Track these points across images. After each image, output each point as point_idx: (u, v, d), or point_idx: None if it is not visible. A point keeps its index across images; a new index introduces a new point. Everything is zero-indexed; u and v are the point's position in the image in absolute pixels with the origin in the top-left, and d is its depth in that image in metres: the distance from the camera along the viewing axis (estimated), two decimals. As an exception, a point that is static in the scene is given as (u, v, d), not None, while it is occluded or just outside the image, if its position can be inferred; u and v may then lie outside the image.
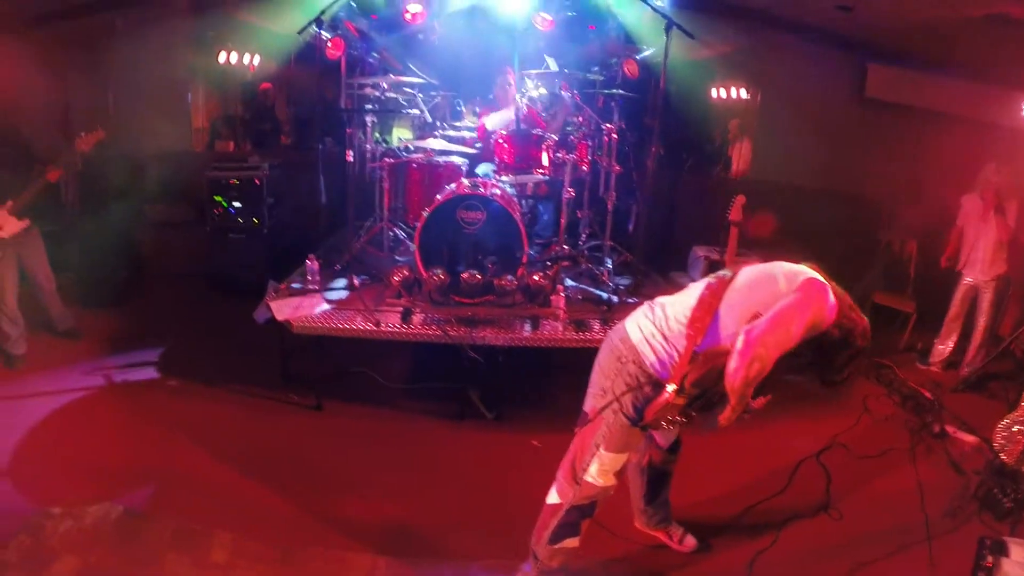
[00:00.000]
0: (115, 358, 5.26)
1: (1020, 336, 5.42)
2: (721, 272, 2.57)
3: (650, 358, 2.53)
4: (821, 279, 2.34)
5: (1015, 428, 4.17)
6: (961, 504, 3.90)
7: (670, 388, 2.41)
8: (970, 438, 4.68)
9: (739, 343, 2.19)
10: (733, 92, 8.11)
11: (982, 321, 5.69)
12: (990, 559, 3.27)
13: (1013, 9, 4.84)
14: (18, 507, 3.44)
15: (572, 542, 2.85)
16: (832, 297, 2.30)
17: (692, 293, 2.56)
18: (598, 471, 2.70)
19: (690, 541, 3.42)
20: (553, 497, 2.85)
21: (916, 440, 4.66)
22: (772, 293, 2.33)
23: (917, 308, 6.40)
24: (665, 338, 2.53)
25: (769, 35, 7.27)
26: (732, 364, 2.19)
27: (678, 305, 2.58)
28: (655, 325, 2.58)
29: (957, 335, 5.89)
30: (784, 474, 4.08)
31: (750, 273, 2.50)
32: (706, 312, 2.44)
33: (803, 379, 2.54)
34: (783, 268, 2.43)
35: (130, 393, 4.78)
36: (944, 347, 5.93)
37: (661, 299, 2.71)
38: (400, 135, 6.76)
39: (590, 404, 2.72)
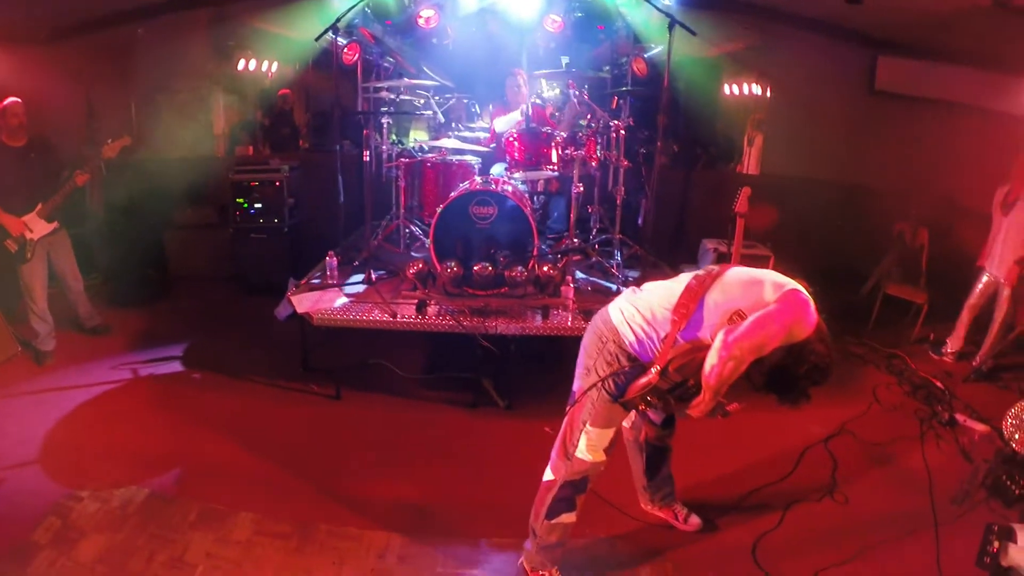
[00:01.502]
0: (141, 353, 5.43)
1: None
2: (710, 266, 2.67)
3: (629, 338, 2.66)
4: (805, 293, 2.43)
5: None
6: (969, 491, 3.91)
7: (654, 370, 2.53)
8: (980, 426, 4.66)
9: (718, 342, 2.33)
10: (745, 88, 8.13)
11: (999, 315, 5.64)
12: (996, 544, 3.28)
13: None
14: (48, 491, 3.60)
15: (568, 517, 2.95)
16: (813, 313, 2.38)
17: (680, 281, 2.67)
18: (586, 447, 2.81)
19: (694, 520, 3.50)
20: (548, 474, 2.96)
21: (925, 428, 4.67)
22: (757, 297, 2.44)
23: (929, 299, 6.38)
24: (647, 321, 2.65)
25: (778, 30, 7.30)
26: (709, 360, 2.34)
27: (664, 291, 2.69)
28: (636, 308, 2.70)
29: (969, 326, 5.87)
30: (791, 459, 4.14)
31: (739, 274, 2.60)
32: (692, 300, 2.54)
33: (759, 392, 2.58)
34: (771, 277, 2.52)
35: (156, 385, 4.95)
36: (957, 336, 5.91)
37: (648, 284, 2.83)
38: (416, 136, 6.91)
39: (577, 384, 2.85)
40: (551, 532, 2.96)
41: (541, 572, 3.02)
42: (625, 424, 3.30)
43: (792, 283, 2.47)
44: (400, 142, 6.38)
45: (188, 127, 7.58)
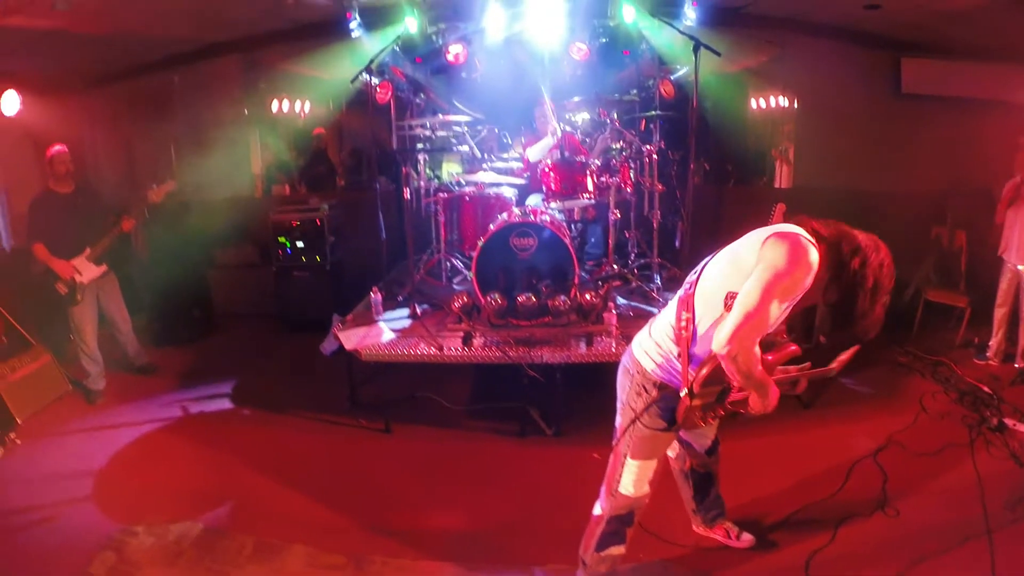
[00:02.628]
0: (190, 391, 5.58)
1: None
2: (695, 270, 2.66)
3: (651, 366, 2.68)
4: (786, 230, 2.38)
5: None
6: (1022, 496, 3.85)
7: (683, 393, 2.54)
8: None
9: (716, 345, 2.32)
10: (771, 101, 8.14)
11: None
12: None
13: None
14: (102, 526, 3.70)
15: (617, 549, 2.98)
16: (805, 244, 2.30)
17: (677, 296, 2.68)
18: (630, 481, 2.82)
19: (747, 538, 3.50)
20: (596, 508, 2.98)
21: (974, 435, 4.60)
22: (742, 267, 2.39)
23: (971, 302, 6.30)
24: (659, 345, 2.67)
25: (799, 40, 7.32)
26: (725, 366, 2.36)
27: (667, 310, 2.71)
28: (651, 335, 2.73)
29: (1004, 324, 5.81)
30: (840, 473, 4.12)
31: (719, 257, 2.58)
32: (686, 307, 2.54)
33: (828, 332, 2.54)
34: (750, 238, 2.46)
35: (206, 422, 5.08)
36: (996, 337, 5.85)
37: (659, 312, 2.87)
38: (449, 169, 7.04)
39: (618, 421, 2.87)
40: (601, 563, 2.99)
41: None
42: (670, 454, 3.33)
43: (769, 230, 2.41)
44: (436, 176, 6.50)
45: (226, 168, 7.76)
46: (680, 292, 2.64)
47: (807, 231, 2.39)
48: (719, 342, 2.30)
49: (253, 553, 3.49)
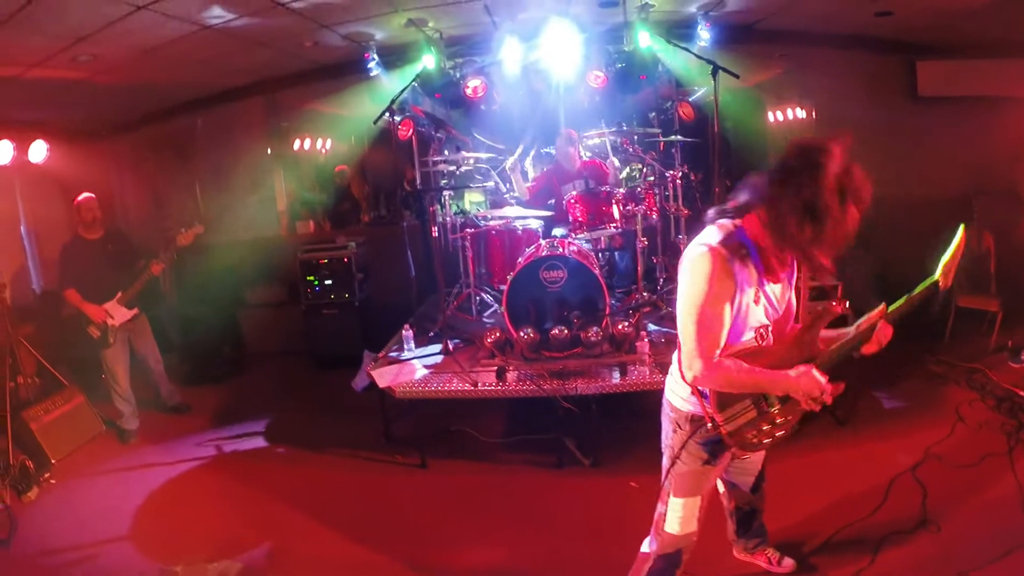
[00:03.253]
0: (223, 430, 5.64)
1: None
2: None
3: (678, 402, 2.66)
4: (691, 248, 2.38)
5: None
6: None
7: (709, 425, 2.51)
8: None
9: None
10: (789, 113, 8.14)
11: None
12: None
13: None
14: (140, 566, 3.76)
15: None
16: (701, 256, 2.30)
17: None
18: (675, 519, 2.76)
19: (788, 563, 3.47)
20: (645, 546, 2.95)
21: (1013, 443, 4.53)
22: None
23: (1002, 304, 6.23)
24: (677, 380, 2.64)
25: (814, 52, 7.31)
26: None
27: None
28: (673, 372, 2.69)
29: None
30: (879, 491, 4.08)
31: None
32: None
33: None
34: (684, 257, 2.44)
35: (241, 461, 5.12)
36: None
37: None
38: (471, 200, 7.09)
39: (664, 462, 2.82)
40: None
41: None
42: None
43: (686, 253, 2.41)
44: (462, 211, 6.56)
45: (252, 208, 7.94)
46: None
47: (721, 227, 2.41)
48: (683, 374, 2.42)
49: None
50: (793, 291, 2.64)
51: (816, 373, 2.38)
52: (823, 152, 2.24)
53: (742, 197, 2.43)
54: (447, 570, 3.71)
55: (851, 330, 2.55)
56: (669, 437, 2.74)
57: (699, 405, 2.54)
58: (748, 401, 2.48)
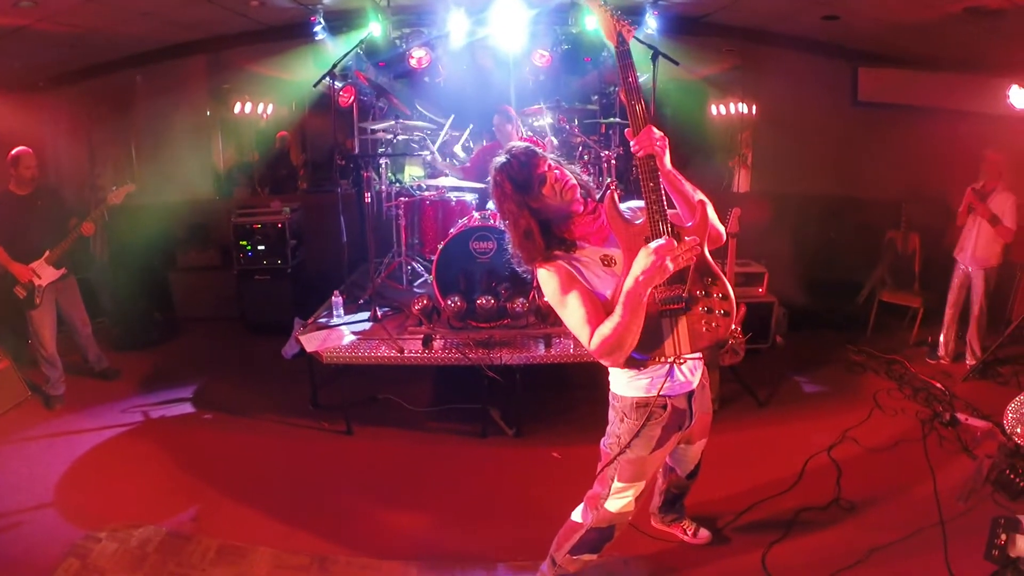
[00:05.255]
0: (151, 396, 5.51)
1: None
2: None
3: (620, 390, 2.67)
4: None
5: None
6: (974, 487, 3.96)
7: (670, 360, 2.50)
8: (982, 423, 4.71)
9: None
10: (732, 108, 8.27)
11: (975, 307, 5.79)
12: (1004, 537, 3.34)
13: (988, 1, 4.97)
14: (65, 533, 3.65)
15: (590, 557, 2.98)
16: (541, 270, 2.48)
17: None
18: (617, 501, 2.79)
19: (704, 534, 3.59)
20: (576, 515, 2.96)
21: (927, 430, 4.73)
22: None
23: (924, 302, 6.49)
24: (612, 373, 2.68)
25: (760, 50, 7.47)
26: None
27: None
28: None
29: (955, 323, 6.00)
30: (795, 470, 4.21)
31: None
32: None
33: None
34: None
35: (168, 427, 5.01)
36: (948, 335, 6.03)
37: None
38: (412, 172, 7.04)
39: (604, 441, 2.82)
40: (571, 563, 3.00)
41: None
42: None
43: None
44: (398, 180, 6.50)
45: (188, 170, 7.71)
46: None
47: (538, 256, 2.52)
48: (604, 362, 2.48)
49: (217, 556, 3.48)
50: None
51: (643, 248, 2.25)
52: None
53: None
54: (372, 533, 3.73)
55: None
56: (614, 426, 2.73)
57: (646, 376, 2.57)
58: (662, 320, 2.39)
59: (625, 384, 2.63)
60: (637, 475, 2.75)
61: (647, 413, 2.59)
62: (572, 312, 2.42)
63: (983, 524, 3.43)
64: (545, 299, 2.62)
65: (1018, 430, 4.25)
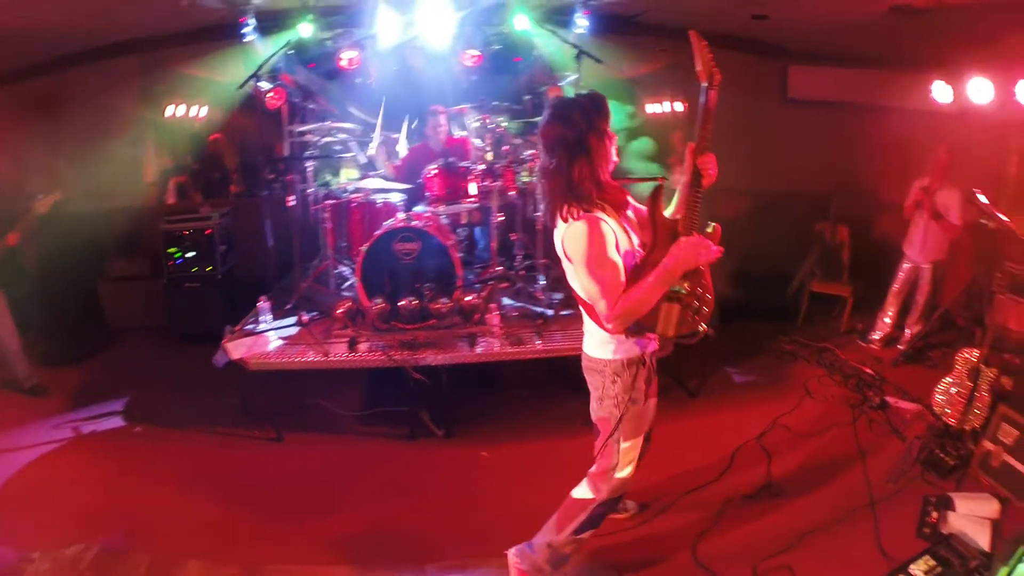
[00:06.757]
0: (81, 411, 5.35)
1: (959, 305, 5.71)
2: None
3: (607, 355, 2.84)
4: (570, 222, 2.63)
5: (953, 390, 4.42)
6: (904, 468, 4.08)
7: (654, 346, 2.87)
8: (911, 405, 4.85)
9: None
10: (667, 107, 8.34)
11: (921, 299, 5.94)
12: (935, 515, 3.48)
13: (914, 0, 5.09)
14: None
15: (589, 534, 3.08)
16: (584, 219, 2.58)
17: None
18: (627, 463, 2.95)
19: (632, 506, 3.74)
20: (583, 493, 3.05)
21: (857, 414, 4.85)
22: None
23: (853, 291, 6.66)
24: (598, 342, 2.86)
25: (690, 50, 7.52)
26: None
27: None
28: (590, 336, 2.92)
29: (896, 310, 6.14)
30: (725, 459, 4.28)
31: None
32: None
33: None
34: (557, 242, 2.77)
35: (98, 442, 4.90)
36: (885, 322, 6.18)
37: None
38: (348, 175, 6.94)
39: (594, 415, 2.98)
40: (569, 545, 3.07)
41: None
42: None
43: (561, 230, 2.69)
44: (325, 183, 6.42)
45: (119, 175, 7.44)
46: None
47: (571, 206, 2.63)
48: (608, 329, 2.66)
49: (148, 571, 3.45)
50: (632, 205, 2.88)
51: (684, 239, 2.63)
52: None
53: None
54: (303, 540, 3.72)
55: (679, 189, 2.80)
56: (608, 391, 2.86)
57: (635, 342, 2.79)
58: (663, 303, 2.66)
59: (614, 348, 2.80)
60: (637, 429, 2.93)
61: (636, 367, 2.81)
62: (604, 271, 2.57)
63: (914, 504, 3.60)
64: (565, 251, 2.68)
65: (947, 411, 4.41)
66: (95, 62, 7.23)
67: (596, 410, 2.95)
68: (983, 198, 4.53)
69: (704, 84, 2.72)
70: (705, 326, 2.79)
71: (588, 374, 2.95)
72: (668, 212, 2.76)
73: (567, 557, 3.10)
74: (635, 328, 2.68)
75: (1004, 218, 4.48)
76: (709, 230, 2.73)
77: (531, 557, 3.14)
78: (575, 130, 2.59)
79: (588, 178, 2.60)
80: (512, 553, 3.20)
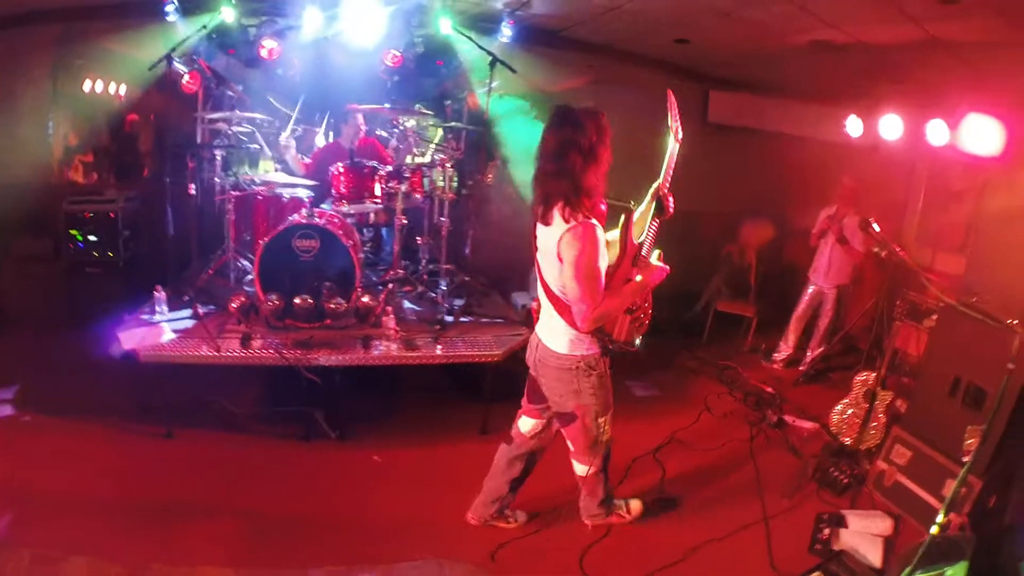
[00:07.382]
0: (-32, 399, 5.10)
1: (860, 328, 5.95)
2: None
3: (581, 352, 3.17)
4: (572, 223, 2.89)
5: (849, 411, 4.63)
6: (799, 485, 4.24)
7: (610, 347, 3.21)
8: (808, 424, 5.06)
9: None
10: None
11: (823, 323, 6.19)
12: (827, 531, 3.61)
13: (833, 36, 5.25)
14: None
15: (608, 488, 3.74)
16: (586, 223, 2.87)
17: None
18: (608, 428, 3.40)
19: (521, 516, 3.83)
20: (583, 469, 3.53)
21: (755, 431, 5.00)
22: (555, 264, 3.02)
23: (758, 312, 6.89)
24: (571, 341, 3.16)
25: (617, 68, 7.63)
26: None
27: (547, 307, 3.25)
28: (559, 336, 3.20)
29: (798, 332, 6.39)
30: (620, 470, 4.32)
31: (542, 258, 3.14)
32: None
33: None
34: (551, 238, 3.00)
35: (-17, 431, 4.67)
36: (787, 344, 6.41)
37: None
38: (265, 168, 6.82)
39: (569, 406, 3.29)
40: (615, 502, 3.82)
41: (619, 512, 3.82)
42: (523, 429, 3.63)
43: (561, 228, 2.93)
44: (234, 174, 6.29)
45: (25, 150, 7.14)
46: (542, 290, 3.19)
47: (573, 209, 2.89)
48: (581, 328, 2.97)
49: (30, 566, 3.32)
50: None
51: (658, 264, 3.17)
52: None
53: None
54: (189, 540, 3.65)
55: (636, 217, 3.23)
56: (584, 382, 3.18)
57: (598, 342, 3.12)
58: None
59: (587, 345, 3.13)
60: (607, 404, 3.33)
61: (606, 358, 3.20)
62: (592, 277, 2.86)
63: (808, 521, 3.72)
64: (559, 250, 2.89)
65: (844, 430, 4.61)
66: (8, 28, 6.87)
67: (567, 401, 3.26)
68: (876, 227, 4.77)
69: (672, 138, 3.27)
70: (639, 340, 3.16)
71: (557, 372, 3.18)
72: (637, 238, 3.15)
73: (611, 496, 3.74)
74: (605, 332, 3.07)
75: (897, 248, 4.73)
76: (655, 255, 3.18)
77: (602, 518, 3.75)
78: (588, 139, 2.86)
79: (594, 186, 2.89)
80: (588, 523, 3.77)
